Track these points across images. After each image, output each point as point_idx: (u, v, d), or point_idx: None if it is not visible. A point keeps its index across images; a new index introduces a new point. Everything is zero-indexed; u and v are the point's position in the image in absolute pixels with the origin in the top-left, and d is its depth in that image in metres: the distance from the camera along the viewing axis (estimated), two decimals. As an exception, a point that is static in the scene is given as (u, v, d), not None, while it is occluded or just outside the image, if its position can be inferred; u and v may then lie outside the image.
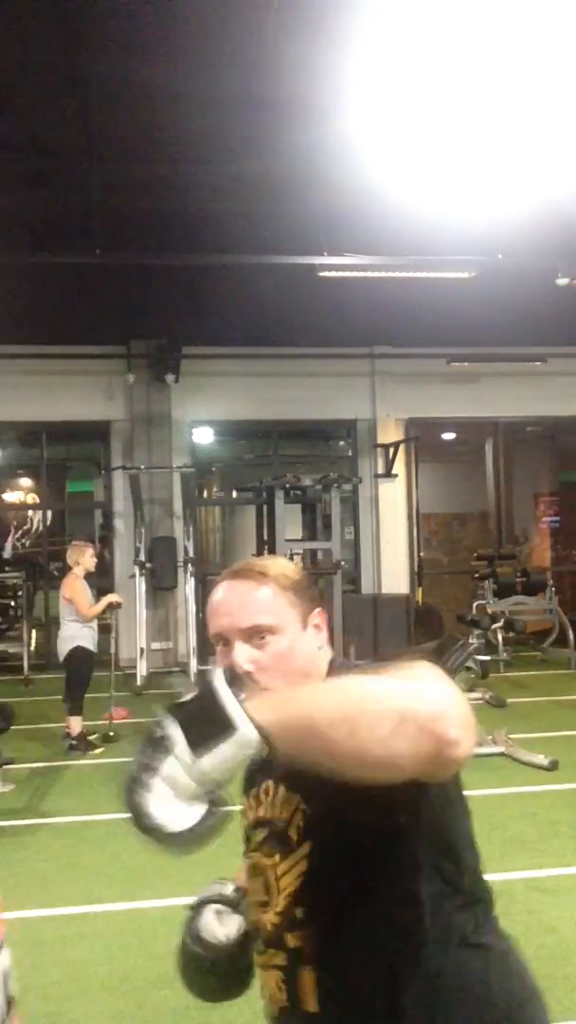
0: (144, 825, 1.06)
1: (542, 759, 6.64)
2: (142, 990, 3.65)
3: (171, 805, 1.06)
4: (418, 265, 8.63)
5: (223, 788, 1.09)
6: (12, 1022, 1.63)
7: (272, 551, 10.02)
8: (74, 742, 7.51)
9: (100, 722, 7.90)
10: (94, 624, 7.66)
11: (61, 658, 7.59)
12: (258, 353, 11.82)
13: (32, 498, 17.04)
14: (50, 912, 4.46)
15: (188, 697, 1.10)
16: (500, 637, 10.55)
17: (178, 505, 11.63)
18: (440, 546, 14.61)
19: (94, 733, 7.72)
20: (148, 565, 10.99)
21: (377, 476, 12.39)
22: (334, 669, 1.40)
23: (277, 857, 1.36)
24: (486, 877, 1.39)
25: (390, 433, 12.39)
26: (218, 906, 1.48)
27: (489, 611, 9.72)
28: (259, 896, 1.39)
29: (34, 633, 12.10)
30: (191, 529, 11.28)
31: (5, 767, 6.67)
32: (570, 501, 15.15)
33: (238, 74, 5.92)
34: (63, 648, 7.53)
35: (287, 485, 10.70)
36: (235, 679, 1.11)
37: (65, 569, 8.16)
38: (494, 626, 9.41)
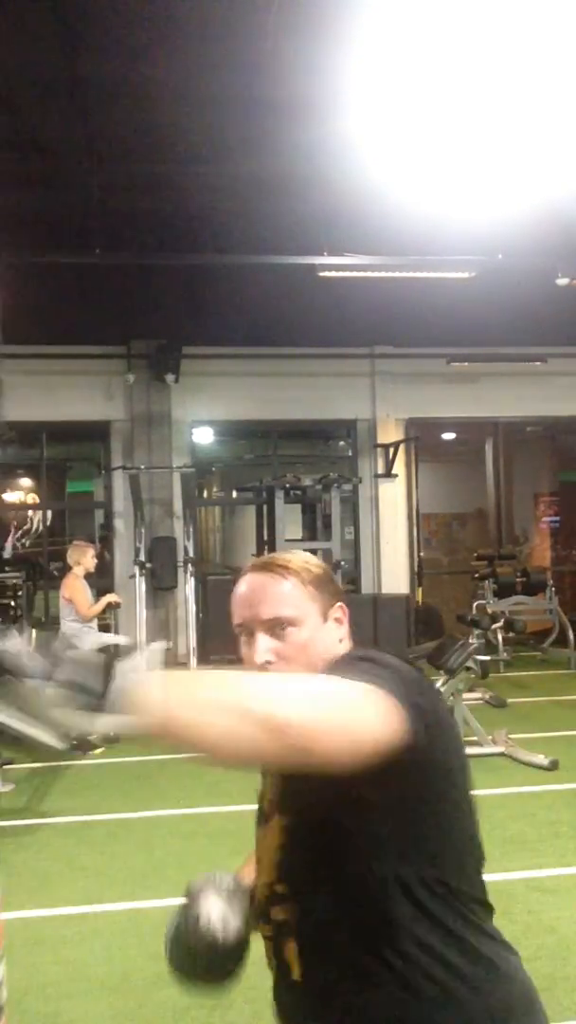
0: None
1: (542, 759, 6.64)
2: (142, 990, 3.66)
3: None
4: (418, 265, 8.63)
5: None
6: None
7: (272, 551, 10.02)
8: (74, 742, 7.50)
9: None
10: (94, 624, 7.66)
11: (61, 658, 7.58)
12: (258, 353, 11.81)
13: (32, 498, 17.04)
14: (50, 912, 4.46)
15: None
16: (500, 637, 10.55)
17: (178, 505, 11.63)
18: (440, 546, 14.61)
19: (94, 733, 7.71)
20: (148, 565, 10.98)
21: (377, 476, 12.38)
22: (339, 663, 1.40)
23: (264, 830, 1.41)
24: (486, 877, 1.39)
25: (390, 433, 12.38)
26: (222, 890, 1.47)
27: (489, 611, 9.70)
28: (255, 869, 1.45)
29: (34, 633, 12.06)
30: (191, 529, 11.27)
31: (5, 767, 6.67)
32: (570, 501, 15.15)
33: (238, 74, 5.91)
34: (63, 648, 7.52)
35: (287, 485, 10.69)
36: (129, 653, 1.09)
37: (65, 569, 8.16)
38: (494, 626, 9.40)
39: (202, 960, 1.46)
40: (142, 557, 10.95)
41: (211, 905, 1.45)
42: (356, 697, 1.17)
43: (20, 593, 12.09)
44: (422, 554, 12.86)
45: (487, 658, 8.25)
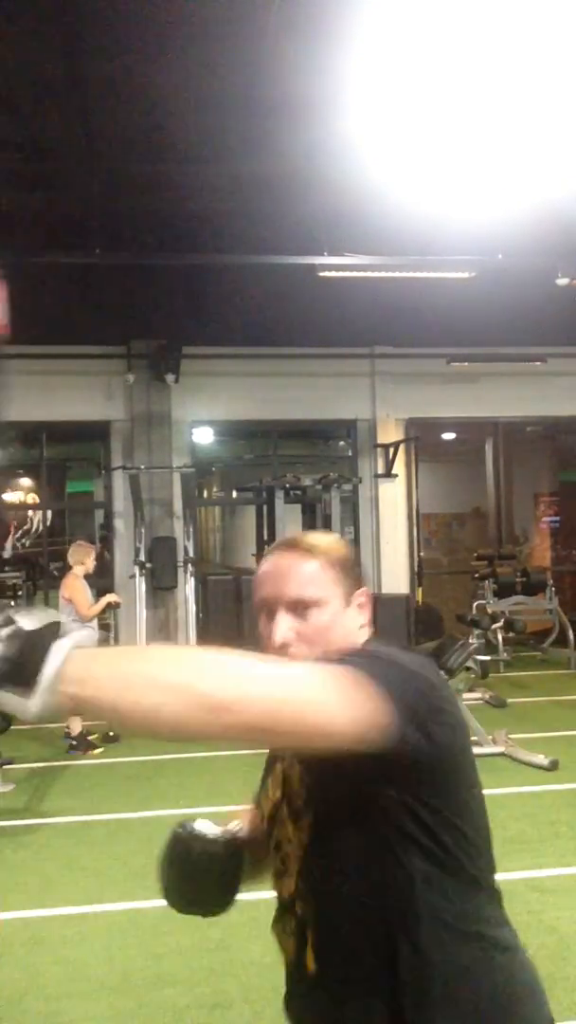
0: None
1: (542, 759, 6.64)
2: (142, 990, 3.66)
3: None
4: (418, 265, 8.63)
5: None
6: None
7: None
8: (74, 742, 7.52)
9: (100, 722, 7.89)
10: (94, 624, 7.66)
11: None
12: (258, 353, 11.81)
13: (32, 498, 17.04)
14: (50, 912, 4.46)
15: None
16: (500, 637, 10.55)
17: (178, 505, 11.63)
18: (440, 546, 14.61)
19: (94, 733, 7.72)
20: (148, 565, 10.98)
21: (377, 476, 12.38)
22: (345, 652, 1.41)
23: (291, 829, 1.41)
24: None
25: (390, 433, 12.38)
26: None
27: (489, 611, 9.71)
28: (278, 867, 1.44)
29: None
30: (191, 529, 11.28)
31: (5, 767, 6.68)
32: (570, 501, 15.16)
33: (238, 74, 5.91)
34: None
35: (287, 485, 10.69)
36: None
37: (65, 569, 8.16)
38: (494, 626, 9.41)
39: (195, 859, 1.50)
40: (142, 557, 10.95)
41: (199, 821, 1.55)
42: (322, 683, 1.15)
43: (20, 593, 12.10)
44: (422, 554, 12.86)
45: (487, 658, 8.25)
